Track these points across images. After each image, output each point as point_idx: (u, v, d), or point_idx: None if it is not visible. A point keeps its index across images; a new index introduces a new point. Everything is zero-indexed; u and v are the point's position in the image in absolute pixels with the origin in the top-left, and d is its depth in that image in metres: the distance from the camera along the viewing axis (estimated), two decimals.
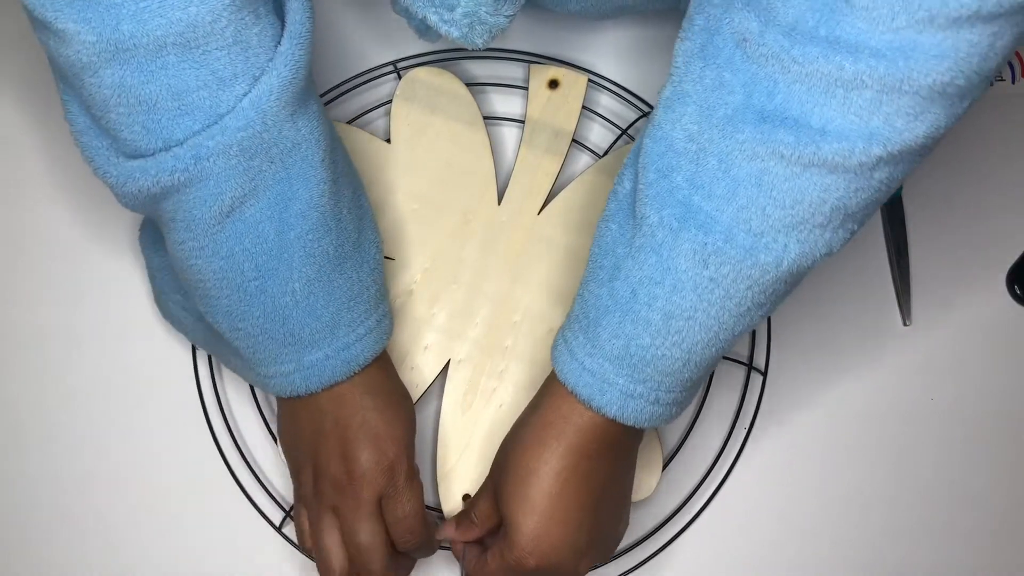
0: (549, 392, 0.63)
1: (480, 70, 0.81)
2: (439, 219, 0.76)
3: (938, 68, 0.48)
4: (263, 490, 0.74)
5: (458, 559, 0.68)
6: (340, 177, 0.64)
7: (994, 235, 0.81)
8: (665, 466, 0.74)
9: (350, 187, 0.66)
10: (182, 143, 0.57)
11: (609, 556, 0.66)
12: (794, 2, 0.50)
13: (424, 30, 0.69)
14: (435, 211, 0.77)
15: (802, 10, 0.50)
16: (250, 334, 0.63)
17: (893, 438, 0.77)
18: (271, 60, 0.58)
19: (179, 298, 0.69)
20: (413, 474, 0.66)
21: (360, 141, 0.77)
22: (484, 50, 0.70)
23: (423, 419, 0.75)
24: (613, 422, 0.60)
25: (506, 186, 0.77)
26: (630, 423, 0.60)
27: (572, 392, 0.61)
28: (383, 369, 0.67)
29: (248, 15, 0.57)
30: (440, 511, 0.73)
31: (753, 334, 0.77)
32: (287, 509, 0.73)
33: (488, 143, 0.77)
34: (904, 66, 0.48)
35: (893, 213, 0.80)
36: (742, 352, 0.77)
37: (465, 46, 0.64)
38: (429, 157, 0.77)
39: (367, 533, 0.64)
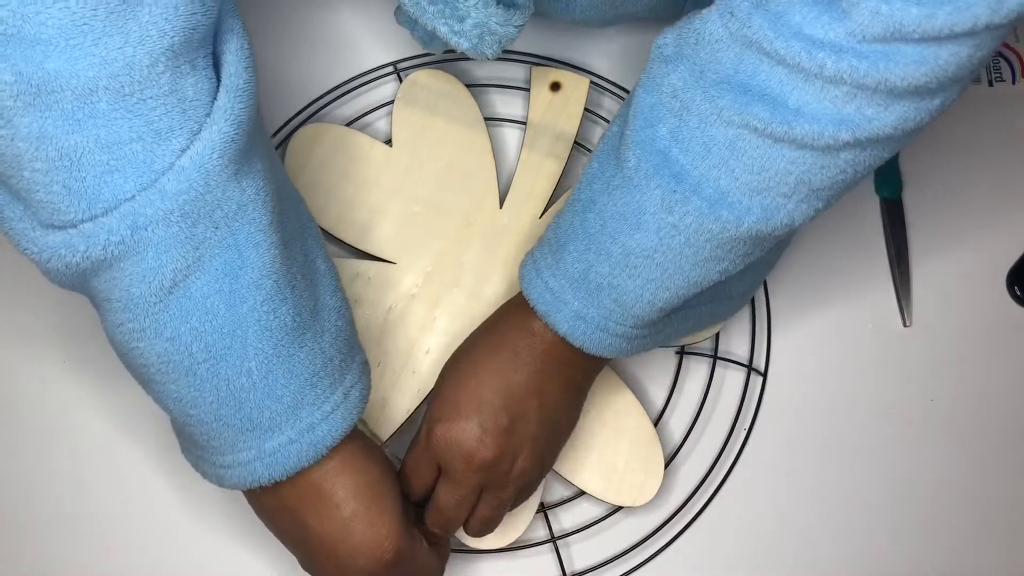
0: (510, 303, 0.68)
1: (481, 71, 0.81)
2: (441, 222, 0.76)
3: (915, 73, 0.50)
4: None
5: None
6: (290, 240, 0.59)
7: (994, 235, 0.81)
8: (666, 466, 0.74)
9: (301, 251, 0.61)
10: (112, 209, 0.50)
11: (521, 481, 0.65)
12: None
13: (429, 40, 0.69)
14: (437, 214, 0.76)
15: (791, 3, 0.52)
16: (203, 421, 0.57)
17: (893, 438, 0.77)
18: (208, 115, 0.52)
19: None
20: (413, 543, 0.63)
21: (361, 144, 0.77)
22: None
23: None
24: (560, 340, 0.64)
25: (508, 189, 0.77)
26: (577, 344, 0.63)
27: (532, 306, 0.64)
28: (356, 447, 0.62)
29: (185, 64, 0.51)
30: None
31: (753, 335, 0.77)
32: None
33: (489, 146, 0.77)
34: (884, 69, 0.50)
35: (893, 213, 0.80)
36: (742, 353, 0.77)
37: (474, 57, 0.63)
38: (430, 160, 0.77)
39: None
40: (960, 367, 0.79)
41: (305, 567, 0.64)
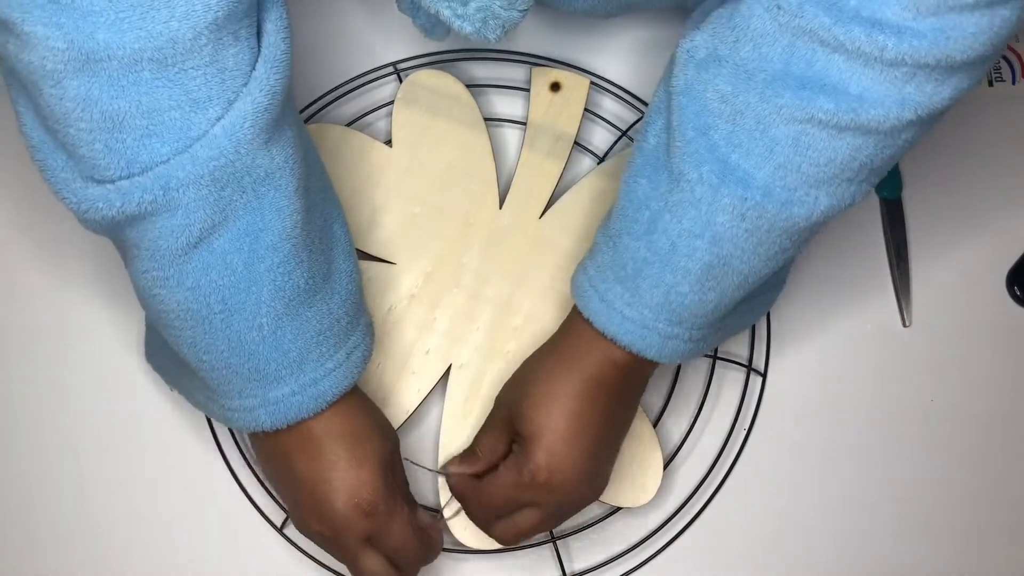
0: (573, 330, 0.66)
1: (481, 71, 0.81)
2: (440, 223, 0.76)
3: (974, 44, 0.51)
4: (264, 490, 0.74)
5: (453, 494, 0.69)
6: (312, 206, 0.62)
7: (994, 235, 0.81)
8: (665, 467, 0.74)
9: (322, 215, 0.64)
10: (148, 170, 0.54)
11: (599, 495, 0.68)
12: None
13: (430, 28, 0.68)
14: (436, 215, 0.76)
15: None
16: (214, 367, 0.61)
17: (893, 438, 0.77)
18: (245, 85, 0.55)
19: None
20: (394, 504, 0.64)
21: (361, 145, 0.77)
22: (486, 51, 0.69)
23: (424, 424, 0.76)
24: (636, 359, 0.64)
25: (507, 190, 0.77)
26: (666, 361, 0.64)
27: (612, 339, 0.63)
28: (354, 402, 0.65)
29: (227, 36, 0.54)
30: (442, 513, 0.73)
31: (753, 335, 0.77)
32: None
33: (490, 146, 0.77)
34: (945, 45, 0.51)
35: (893, 213, 0.80)
36: (742, 354, 0.77)
37: (477, 42, 0.63)
38: (430, 160, 0.77)
39: (367, 570, 0.64)
40: (960, 367, 0.78)
41: (292, 516, 0.67)
